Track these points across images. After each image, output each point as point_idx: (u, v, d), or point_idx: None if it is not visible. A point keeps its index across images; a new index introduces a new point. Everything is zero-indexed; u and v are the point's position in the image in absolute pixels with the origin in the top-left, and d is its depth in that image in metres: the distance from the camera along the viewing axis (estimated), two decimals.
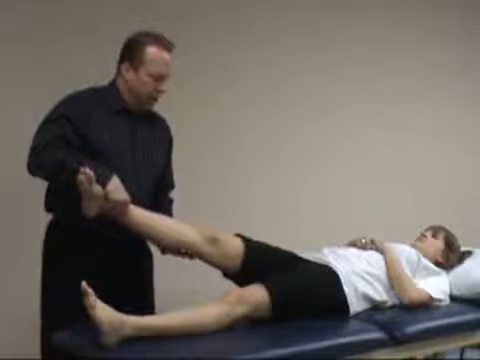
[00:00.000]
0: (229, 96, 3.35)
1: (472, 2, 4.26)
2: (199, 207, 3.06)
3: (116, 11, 2.94)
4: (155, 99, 2.28)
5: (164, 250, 2.32)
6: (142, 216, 2.16)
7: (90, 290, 1.84)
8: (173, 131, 2.46)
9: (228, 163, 3.37)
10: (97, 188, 2.01)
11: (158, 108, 2.39)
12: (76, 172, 1.98)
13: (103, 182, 2.03)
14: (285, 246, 2.39)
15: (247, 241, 2.29)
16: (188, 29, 3.15)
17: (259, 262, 2.26)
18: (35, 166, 2.13)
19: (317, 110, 3.67)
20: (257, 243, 2.32)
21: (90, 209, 2.05)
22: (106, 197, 2.03)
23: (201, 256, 2.24)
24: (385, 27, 3.90)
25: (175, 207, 2.49)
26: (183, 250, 2.23)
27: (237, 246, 2.26)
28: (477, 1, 4.27)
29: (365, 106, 3.84)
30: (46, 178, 2.18)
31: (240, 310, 2.07)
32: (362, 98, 3.82)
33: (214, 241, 2.22)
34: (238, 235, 2.31)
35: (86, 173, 1.97)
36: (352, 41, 3.76)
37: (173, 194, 2.51)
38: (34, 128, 2.18)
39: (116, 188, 2.05)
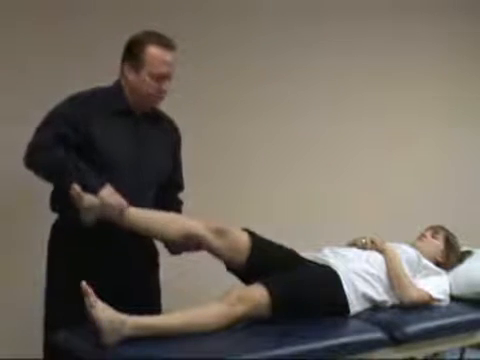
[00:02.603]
0: (238, 102, 3.35)
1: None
2: (207, 208, 3.05)
3: (120, 20, 2.93)
4: (159, 98, 2.26)
5: (173, 250, 2.32)
6: (142, 216, 2.15)
7: (90, 290, 1.85)
8: (183, 136, 2.45)
9: (235, 167, 3.37)
10: (90, 199, 2.04)
11: (169, 113, 2.39)
12: (66, 184, 2.03)
13: (94, 191, 2.05)
14: (287, 245, 2.40)
15: (254, 236, 2.30)
16: (199, 37, 3.15)
17: (264, 258, 2.26)
18: (30, 163, 2.16)
19: (320, 111, 3.67)
20: (263, 239, 2.32)
21: (87, 217, 2.07)
22: (102, 205, 2.05)
23: (207, 247, 2.23)
24: (394, 36, 3.90)
25: (184, 210, 2.47)
26: (190, 241, 2.21)
27: (244, 240, 2.26)
28: None
29: (370, 113, 3.84)
30: (41, 176, 2.18)
31: (240, 310, 2.07)
32: (368, 105, 3.82)
33: (221, 233, 2.22)
34: (245, 229, 2.31)
35: (75, 190, 2.01)
36: (361, 49, 3.77)
37: (183, 198, 2.50)
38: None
39: (109, 196, 2.07)
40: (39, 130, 2.17)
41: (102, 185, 2.08)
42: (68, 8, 2.86)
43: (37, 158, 2.14)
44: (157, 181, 2.33)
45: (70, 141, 2.14)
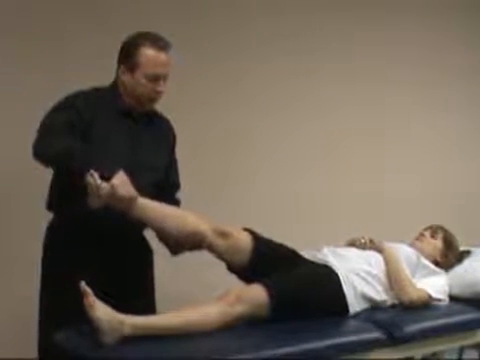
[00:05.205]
0: (229, 96, 3.36)
1: (474, 2, 4.26)
2: (200, 205, 3.05)
3: (112, 18, 2.93)
4: (154, 100, 2.26)
5: (173, 249, 2.31)
6: (151, 207, 2.14)
7: (89, 290, 1.84)
8: (182, 135, 2.46)
9: (228, 162, 3.37)
10: (104, 187, 2.00)
11: (160, 106, 2.38)
12: (83, 169, 1.98)
13: (108, 177, 2.01)
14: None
15: (256, 237, 2.30)
16: (188, 29, 3.15)
17: (266, 259, 2.26)
18: (41, 148, 2.10)
19: (318, 110, 3.68)
20: (265, 239, 2.32)
21: (95, 202, 2.04)
22: (112, 194, 2.01)
23: (209, 247, 2.23)
24: (384, 27, 3.90)
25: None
26: (193, 240, 2.20)
27: (246, 241, 2.26)
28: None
29: (367, 106, 3.84)
30: (50, 162, 2.13)
31: (239, 310, 2.07)
32: (364, 98, 3.82)
33: (224, 235, 2.23)
34: (247, 229, 2.31)
35: (94, 177, 1.98)
36: (353, 42, 3.76)
37: (180, 196, 2.50)
38: (32, 129, 2.17)
39: (122, 184, 2.03)
40: (49, 115, 2.15)
41: (115, 172, 2.04)
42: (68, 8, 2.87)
43: (48, 142, 2.08)
44: (154, 181, 2.32)
45: (77, 131, 2.13)
